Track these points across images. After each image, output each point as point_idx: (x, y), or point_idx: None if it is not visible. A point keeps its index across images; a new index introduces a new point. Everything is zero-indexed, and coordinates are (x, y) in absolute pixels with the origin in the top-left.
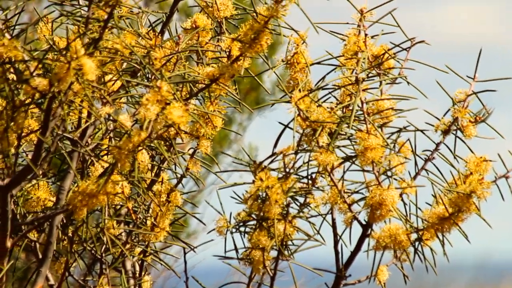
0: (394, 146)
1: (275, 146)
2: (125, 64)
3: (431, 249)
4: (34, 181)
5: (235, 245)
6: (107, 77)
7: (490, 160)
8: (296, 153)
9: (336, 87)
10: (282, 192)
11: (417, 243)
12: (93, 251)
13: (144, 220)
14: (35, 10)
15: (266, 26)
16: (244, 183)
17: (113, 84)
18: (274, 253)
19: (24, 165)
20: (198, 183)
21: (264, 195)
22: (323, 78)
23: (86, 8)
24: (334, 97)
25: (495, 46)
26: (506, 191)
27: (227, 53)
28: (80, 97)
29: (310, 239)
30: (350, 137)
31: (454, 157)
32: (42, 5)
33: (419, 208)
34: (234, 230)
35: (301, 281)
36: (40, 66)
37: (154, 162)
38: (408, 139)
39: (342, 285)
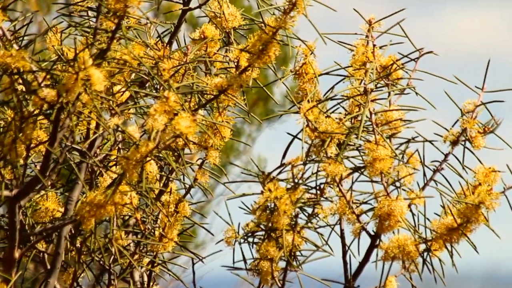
0: (402, 157)
1: (283, 156)
2: (133, 75)
3: (439, 259)
4: (42, 192)
5: (243, 255)
6: (116, 88)
7: (499, 171)
8: (304, 163)
9: (345, 98)
10: (291, 203)
11: (425, 253)
12: (101, 262)
13: (153, 231)
14: (44, 21)
15: (274, 37)
16: (253, 194)
17: (121, 95)
18: (282, 264)
19: (32, 176)
20: (206, 194)
21: (272, 205)
22: (332, 88)
23: (94, 19)
24: (343, 107)
25: (503, 56)
26: None
27: (236, 63)
28: (89, 108)
29: (318, 249)
30: (359, 148)
31: (463, 168)
32: (50, 16)
33: (428, 219)
34: (242, 240)
35: None
36: (48, 76)
37: (163, 173)
38: (417, 150)
39: None
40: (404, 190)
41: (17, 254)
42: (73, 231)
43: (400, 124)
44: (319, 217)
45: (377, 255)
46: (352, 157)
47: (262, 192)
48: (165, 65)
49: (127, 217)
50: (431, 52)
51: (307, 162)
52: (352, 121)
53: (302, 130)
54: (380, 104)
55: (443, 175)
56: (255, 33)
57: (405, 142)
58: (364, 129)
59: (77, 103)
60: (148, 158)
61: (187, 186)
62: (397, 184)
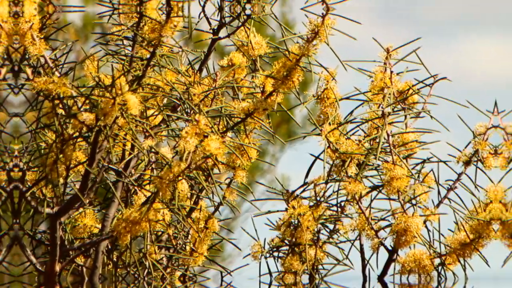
0: (418, 176)
1: (306, 176)
2: (166, 99)
3: (453, 273)
4: (81, 209)
5: (269, 269)
6: (149, 112)
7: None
8: (326, 182)
9: (364, 121)
10: (313, 219)
11: (440, 267)
12: (136, 275)
13: (184, 246)
14: (82, 49)
15: (298, 64)
16: (278, 211)
17: (154, 118)
18: (306, 277)
19: (72, 195)
20: (234, 211)
21: (296, 222)
22: (352, 112)
23: (130, 48)
24: (362, 130)
25: None
26: None
27: (261, 89)
28: (124, 131)
29: (339, 263)
30: (377, 168)
31: (475, 187)
32: (88, 44)
33: (442, 235)
34: (268, 255)
35: None
36: (87, 101)
37: (193, 191)
38: (432, 170)
39: None
40: (420, 207)
41: (57, 268)
42: (109, 246)
43: (416, 146)
44: (340, 233)
45: (394, 268)
46: (371, 176)
47: (286, 209)
48: (196, 90)
49: (160, 233)
50: (445, 78)
51: (329, 181)
52: (371, 142)
53: (323, 151)
54: (397, 127)
55: (456, 194)
56: (279, 60)
57: (421, 162)
58: (382, 150)
59: (114, 126)
60: (180, 178)
61: (216, 203)
62: (413, 201)
